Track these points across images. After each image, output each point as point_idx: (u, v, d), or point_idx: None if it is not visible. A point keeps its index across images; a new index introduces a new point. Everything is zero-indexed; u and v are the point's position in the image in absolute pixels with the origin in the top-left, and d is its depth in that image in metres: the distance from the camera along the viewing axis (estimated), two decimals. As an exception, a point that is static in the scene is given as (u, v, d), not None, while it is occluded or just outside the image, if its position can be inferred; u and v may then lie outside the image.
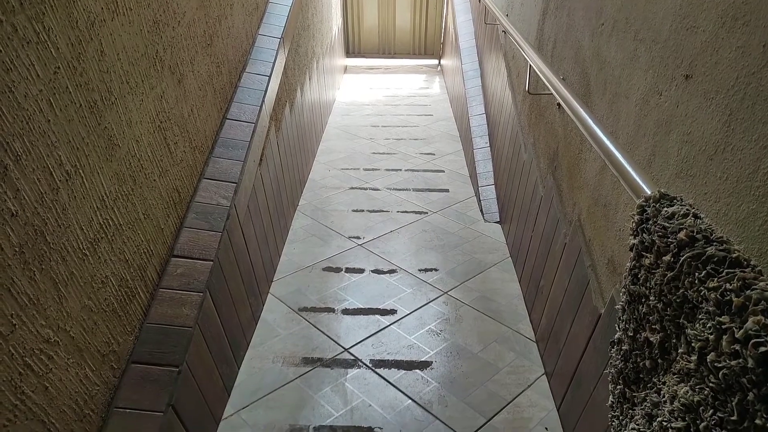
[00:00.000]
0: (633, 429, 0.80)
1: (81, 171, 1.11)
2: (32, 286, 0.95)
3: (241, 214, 1.91)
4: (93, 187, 1.15)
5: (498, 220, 3.09)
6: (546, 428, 1.78)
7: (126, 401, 1.27)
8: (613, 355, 0.95)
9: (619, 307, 0.92)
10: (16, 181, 0.92)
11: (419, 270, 2.62)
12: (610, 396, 0.97)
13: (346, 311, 2.31)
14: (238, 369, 1.95)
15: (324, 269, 2.60)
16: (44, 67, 0.99)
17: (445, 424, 1.79)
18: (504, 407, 1.86)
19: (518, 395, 1.91)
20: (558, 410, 1.83)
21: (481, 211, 3.19)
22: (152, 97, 1.44)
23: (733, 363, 0.58)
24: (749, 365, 0.56)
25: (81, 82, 1.11)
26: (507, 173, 2.93)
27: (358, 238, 2.89)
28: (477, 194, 3.35)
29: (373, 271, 2.59)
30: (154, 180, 1.45)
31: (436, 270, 2.63)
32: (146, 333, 1.38)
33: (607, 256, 1.44)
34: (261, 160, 2.24)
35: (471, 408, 1.85)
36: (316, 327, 2.21)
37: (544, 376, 1.99)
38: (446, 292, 2.46)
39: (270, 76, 2.31)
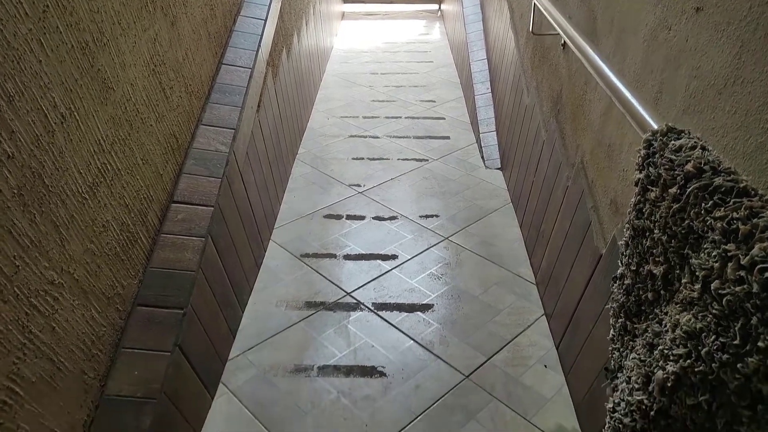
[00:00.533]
0: (633, 359, 0.81)
1: (76, 114, 1.09)
2: (33, 228, 0.95)
3: (240, 161, 1.90)
4: (89, 130, 1.13)
5: (499, 166, 3.08)
6: (545, 365, 1.82)
7: (133, 342, 1.29)
8: (615, 290, 0.95)
9: (622, 242, 0.92)
10: (10, 122, 0.90)
11: (420, 216, 2.62)
12: (611, 330, 0.98)
13: (348, 257, 2.32)
14: (243, 313, 1.98)
15: (325, 216, 2.60)
16: (32, 5, 0.96)
17: (446, 362, 1.83)
18: (504, 346, 1.90)
19: (518, 335, 1.95)
20: (557, 349, 1.87)
21: (482, 157, 3.16)
22: (145, 39, 1.40)
23: (737, 289, 0.58)
24: (754, 290, 0.56)
25: (71, 22, 1.08)
26: (508, 119, 2.89)
27: (359, 185, 2.88)
28: (478, 141, 3.31)
29: (374, 218, 2.59)
30: (151, 125, 1.43)
31: (437, 216, 2.63)
32: (150, 277, 1.39)
33: (610, 196, 1.43)
34: (259, 106, 2.21)
35: (471, 347, 1.89)
36: (318, 272, 2.23)
37: (544, 317, 2.02)
38: (447, 238, 2.47)
39: (266, 20, 2.24)
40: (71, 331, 1.07)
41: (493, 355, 1.88)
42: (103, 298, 1.20)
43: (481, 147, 3.22)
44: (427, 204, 2.73)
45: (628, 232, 0.89)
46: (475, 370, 1.81)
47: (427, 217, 2.62)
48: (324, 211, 2.65)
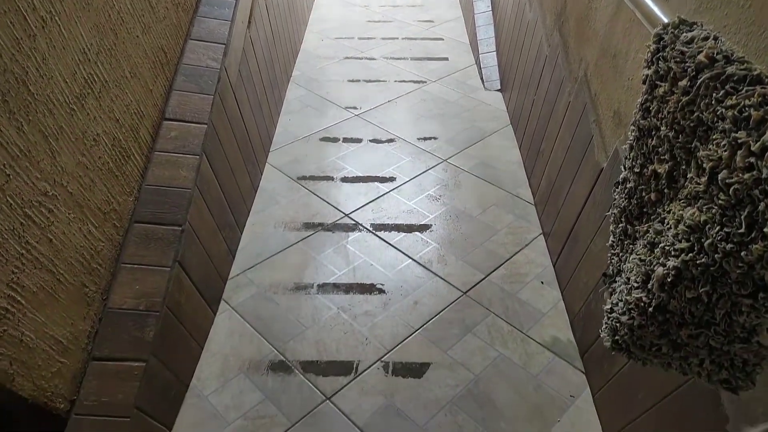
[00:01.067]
0: (633, 260, 0.81)
1: (57, 18, 1.03)
2: (21, 137, 0.92)
3: (233, 78, 1.84)
4: (72, 37, 1.08)
5: (499, 88, 3.00)
6: (542, 282, 1.85)
7: (132, 257, 1.29)
8: (617, 196, 0.94)
9: (626, 146, 0.90)
10: (-14, 22, 0.85)
11: (418, 139, 2.58)
12: (610, 237, 0.98)
13: (345, 179, 2.30)
14: (241, 234, 1.99)
15: (321, 139, 2.56)
16: None
17: (444, 280, 1.86)
18: (501, 264, 1.92)
19: (516, 254, 1.96)
20: (554, 266, 1.89)
21: (482, 79, 3.08)
22: (125, -60, 1.31)
23: (746, 176, 0.56)
24: (764, 176, 0.54)
25: None
26: (510, 37, 2.79)
27: (355, 108, 2.82)
28: (477, 62, 3.22)
29: (371, 141, 2.55)
30: (137, 36, 1.37)
31: (435, 138, 2.59)
32: (146, 194, 1.38)
33: (613, 108, 1.40)
34: (249, 22, 2.11)
35: (469, 265, 1.91)
36: (315, 194, 2.22)
37: (542, 236, 2.03)
38: (445, 160, 2.44)
39: (253, -74, 2.11)
40: (69, 244, 1.07)
41: (491, 272, 1.90)
42: (99, 213, 1.18)
43: (480, 68, 3.13)
44: (426, 126, 2.68)
45: (633, 133, 0.87)
46: (473, 287, 1.84)
47: (425, 139, 2.58)
48: (320, 134, 2.60)
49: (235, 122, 1.88)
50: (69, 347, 1.10)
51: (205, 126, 1.55)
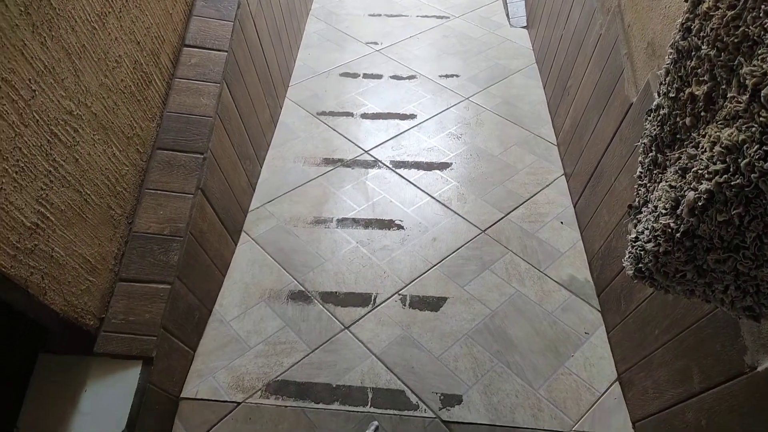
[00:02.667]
0: (662, 188, 0.80)
1: (75, -69, 1.00)
2: (45, 53, 0.91)
3: (252, 5, 1.79)
4: (91, -48, 1.05)
5: (525, 24, 2.90)
6: (561, 222, 1.84)
7: (156, 183, 1.30)
8: (648, 125, 0.92)
9: (661, 71, 0.87)
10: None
11: (440, 76, 2.52)
12: (638, 168, 0.96)
13: (365, 116, 2.28)
14: (261, 167, 1.99)
15: (341, 75, 2.52)
16: None
17: (463, 218, 1.85)
18: (521, 204, 1.91)
19: (536, 194, 1.95)
20: (574, 206, 1.87)
21: (507, 15, 2.97)
22: None
23: (792, 91, 0.54)
24: (812, 89, 0.52)
25: None
26: (538, -31, 2.67)
27: (376, 43, 2.75)
28: (503, -3, 3.10)
29: (391, 77, 2.50)
30: (157, -44, 1.33)
31: (457, 76, 2.53)
32: (168, 121, 1.38)
33: (648, 39, 1.34)
34: (270, -52, 2.04)
35: (489, 204, 1.90)
36: (335, 130, 2.20)
37: (563, 176, 2.01)
38: (467, 98, 2.39)
39: None
40: (94, 165, 1.08)
41: (510, 211, 1.89)
42: (123, 137, 1.19)
43: (506, 3, 3.01)
44: (448, 63, 2.61)
45: (671, 56, 0.84)
46: (492, 225, 1.84)
47: (447, 76, 2.52)
48: (340, 69, 2.56)
49: (255, 52, 1.84)
50: (97, 267, 1.13)
51: (226, 53, 1.52)
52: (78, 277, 1.06)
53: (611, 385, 1.41)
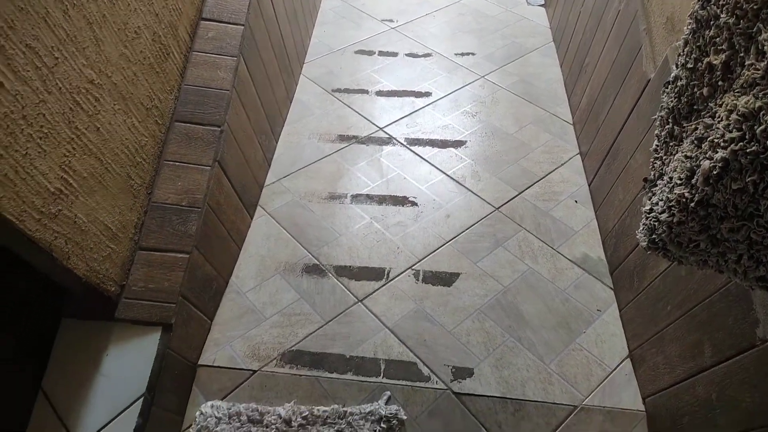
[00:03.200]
0: (678, 159, 0.80)
1: None
2: (67, 21, 0.93)
3: (269, -19, 1.79)
4: None
5: (542, 2, 2.86)
6: (575, 201, 1.84)
7: (174, 155, 1.32)
8: (665, 97, 0.92)
9: (680, 42, 0.86)
10: None
11: (455, 54, 2.51)
12: (654, 142, 0.95)
13: (380, 93, 2.27)
14: (276, 143, 2.00)
15: (356, 52, 2.51)
16: None
17: (477, 195, 1.86)
18: (536, 182, 1.91)
19: (551, 172, 1.94)
20: (589, 185, 1.87)
21: (525, -7, 2.94)
22: None
23: (811, 55, 0.54)
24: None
25: None
26: (557, -55, 2.63)
27: (391, 21, 2.73)
28: (521, -26, 3.05)
29: (407, 55, 2.49)
30: (175, -72, 1.33)
31: (473, 54, 2.51)
32: (185, 94, 1.39)
33: (667, 14, 1.33)
34: None
35: (503, 182, 1.90)
36: (350, 107, 2.20)
37: (578, 155, 2.00)
38: (483, 76, 2.38)
39: None
40: (115, 135, 1.10)
41: (524, 190, 1.89)
42: (142, 108, 1.21)
43: (524, -19, 2.97)
44: (463, 41, 2.59)
45: (689, 27, 0.83)
46: (506, 203, 1.84)
47: (462, 54, 2.51)
48: (355, 46, 2.55)
49: (271, 27, 1.85)
50: (118, 234, 1.15)
51: (242, 27, 1.53)
52: (100, 244, 1.09)
53: (622, 361, 1.42)
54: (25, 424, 1.09)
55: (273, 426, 1.28)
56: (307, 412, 1.30)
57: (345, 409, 1.32)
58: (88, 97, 0.99)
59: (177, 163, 1.32)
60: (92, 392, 1.12)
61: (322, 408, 1.32)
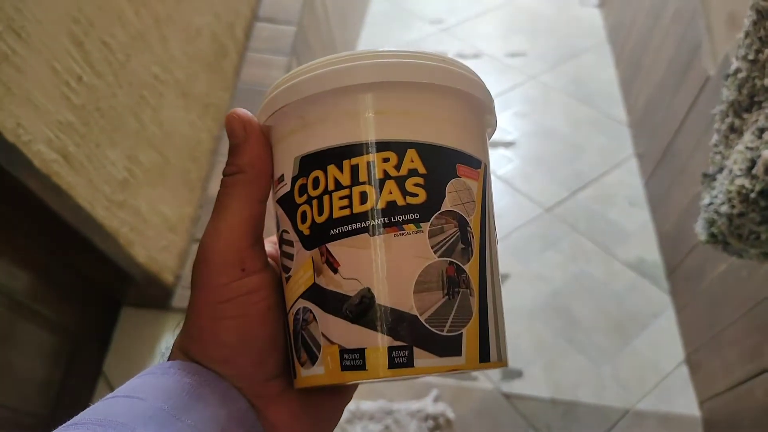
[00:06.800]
0: (738, 150, 0.77)
1: None
2: (138, 20, 0.98)
3: (323, -16, 1.83)
4: (177, -72, 1.12)
5: (597, 3, 2.81)
6: (630, 203, 1.79)
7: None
8: (725, 90, 0.89)
9: (741, 35, 0.84)
10: None
11: (506, 55, 2.49)
12: (714, 136, 0.93)
13: (430, 94, 2.28)
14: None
15: (407, 54, 2.53)
16: None
17: (526, 196, 1.84)
18: (588, 184, 1.87)
19: (604, 174, 1.90)
20: (645, 187, 1.82)
21: (578, -7, 2.89)
22: None
23: None
24: None
25: None
26: (613, -55, 2.58)
27: (440, 22, 2.74)
28: (575, -25, 3.01)
29: (456, 56, 2.48)
30: (235, -66, 1.39)
31: (524, 55, 2.49)
32: (240, 92, 1.44)
33: (728, 9, 1.29)
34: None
35: (554, 183, 1.88)
36: (400, 108, 2.22)
37: (633, 157, 1.95)
38: (534, 77, 2.35)
39: None
40: (176, 130, 1.15)
41: (577, 191, 1.86)
42: (201, 105, 1.26)
43: (578, -18, 2.93)
44: (514, 42, 2.57)
45: (750, 18, 0.80)
46: (557, 204, 1.81)
47: (513, 55, 2.49)
48: (404, 47, 2.56)
49: (322, 28, 1.89)
50: (176, 226, 1.21)
51: (295, 28, 1.57)
52: (159, 234, 1.14)
53: (678, 366, 1.38)
54: (87, 400, 1.15)
55: (320, 417, 1.30)
56: (353, 407, 1.32)
57: (392, 405, 1.32)
58: (153, 92, 1.05)
59: (233, 159, 1.37)
60: (150, 375, 1.17)
61: (369, 403, 1.33)
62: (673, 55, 1.64)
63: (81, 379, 1.16)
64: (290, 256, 0.29)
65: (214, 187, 1.34)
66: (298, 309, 0.29)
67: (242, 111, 0.30)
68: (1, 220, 0.88)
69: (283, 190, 0.29)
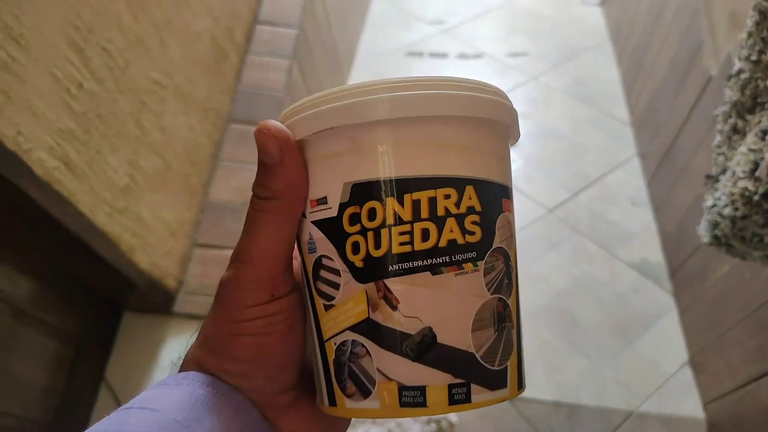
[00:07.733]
0: (741, 153, 0.77)
1: None
2: (137, 25, 0.98)
3: (323, -14, 1.83)
4: (176, -67, 1.12)
5: (598, 2, 2.80)
6: (633, 203, 1.79)
7: (229, 155, 1.37)
8: (728, 91, 0.88)
9: (743, 36, 0.83)
10: None
11: (507, 55, 2.48)
12: (717, 137, 0.92)
13: (431, 95, 2.28)
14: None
15: (406, 55, 2.53)
16: None
17: (528, 197, 1.83)
18: (591, 184, 1.86)
19: (606, 174, 1.90)
20: (647, 187, 1.81)
21: (579, -7, 2.88)
22: None
23: None
24: None
25: None
26: (613, -56, 2.57)
27: (441, 23, 2.73)
28: (575, -25, 3.00)
29: (457, 57, 2.49)
30: (234, -63, 1.39)
31: (525, 55, 2.48)
32: (240, 96, 1.44)
33: (730, 9, 1.28)
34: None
35: (556, 184, 1.87)
36: (401, 110, 2.21)
37: (636, 157, 1.94)
38: (536, 78, 2.35)
39: None
40: (176, 136, 1.15)
41: (579, 192, 1.85)
42: (201, 109, 1.26)
43: (578, -19, 2.92)
44: (516, 42, 2.57)
45: (753, 19, 0.80)
46: (559, 205, 1.81)
47: (515, 55, 2.48)
48: (405, 49, 2.56)
49: (323, 30, 1.89)
50: (177, 231, 1.20)
51: (296, 31, 1.57)
52: (161, 240, 1.14)
53: (681, 367, 1.37)
54: (89, 406, 1.15)
55: (323, 421, 1.30)
56: (356, 409, 1.31)
57: (394, 407, 1.32)
58: (153, 97, 1.05)
59: (231, 163, 1.37)
60: (153, 380, 1.17)
61: (372, 405, 1.33)
62: (675, 54, 1.63)
63: (83, 386, 1.16)
64: (334, 285, 0.28)
65: (215, 191, 1.34)
66: (345, 341, 0.28)
67: (276, 126, 0.28)
68: (2, 227, 0.88)
69: (326, 213, 0.28)
